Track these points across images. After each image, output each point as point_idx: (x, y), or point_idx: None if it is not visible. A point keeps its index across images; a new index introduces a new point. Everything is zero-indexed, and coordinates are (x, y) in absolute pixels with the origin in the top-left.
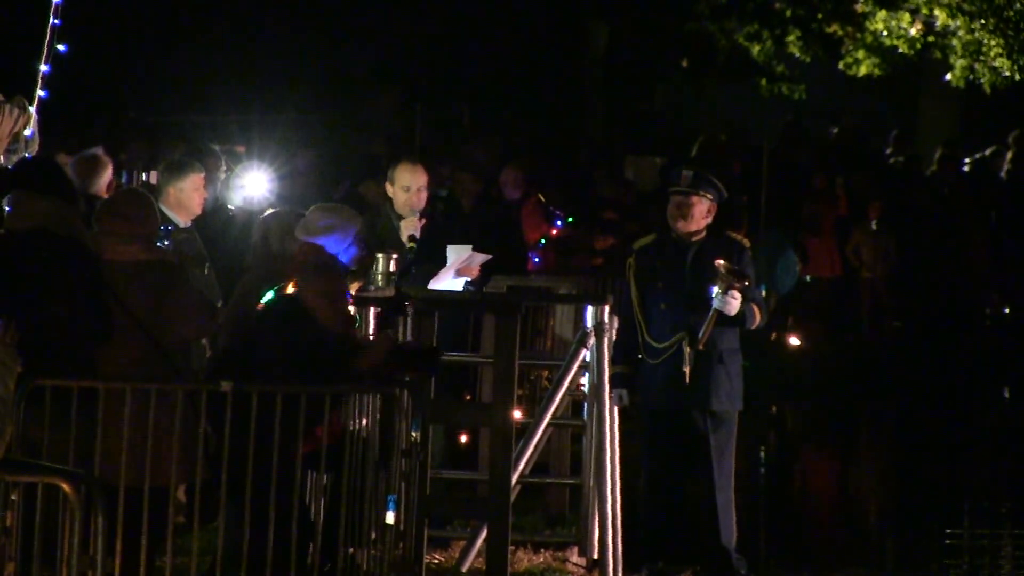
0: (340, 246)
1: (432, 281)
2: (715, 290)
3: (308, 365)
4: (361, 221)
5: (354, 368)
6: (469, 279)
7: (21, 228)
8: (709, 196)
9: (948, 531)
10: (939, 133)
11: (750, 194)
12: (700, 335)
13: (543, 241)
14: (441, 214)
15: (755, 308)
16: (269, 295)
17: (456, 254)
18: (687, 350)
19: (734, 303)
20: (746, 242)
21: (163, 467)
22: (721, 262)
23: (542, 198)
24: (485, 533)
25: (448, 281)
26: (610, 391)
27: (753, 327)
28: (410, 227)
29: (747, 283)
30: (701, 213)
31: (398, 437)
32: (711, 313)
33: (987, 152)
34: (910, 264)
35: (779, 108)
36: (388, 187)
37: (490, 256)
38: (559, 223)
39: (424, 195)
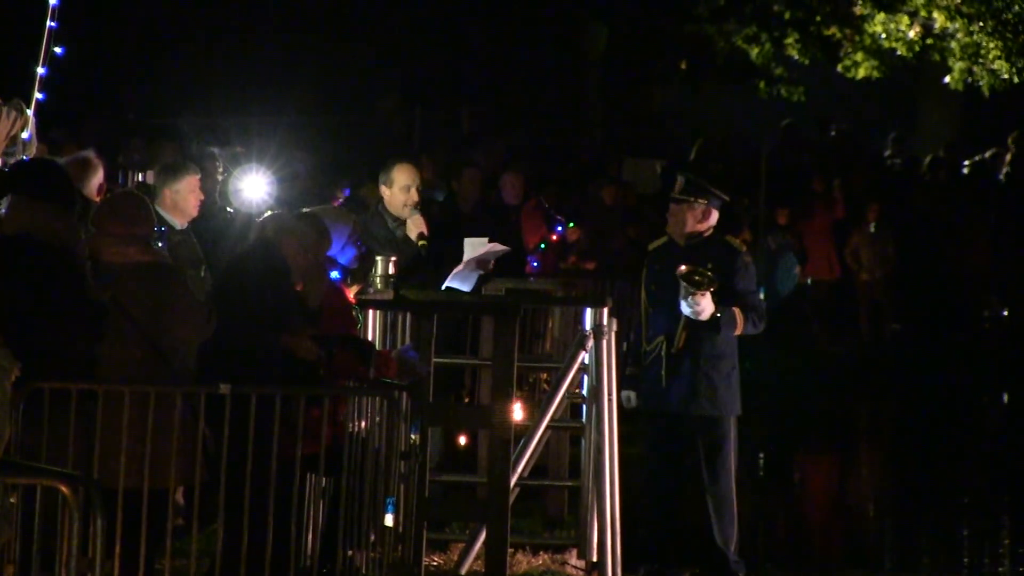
0: (335, 247)
1: (451, 275)
2: (681, 295)
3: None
4: (355, 221)
5: (283, 341)
6: (483, 272)
7: (8, 232)
8: (703, 202)
9: (946, 533)
10: (938, 135)
11: (749, 197)
12: (675, 340)
13: (543, 245)
14: (437, 216)
15: (736, 312)
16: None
17: (473, 247)
18: (663, 353)
19: (699, 308)
20: (742, 246)
21: (162, 469)
22: (682, 268)
23: (545, 203)
24: (484, 535)
25: (464, 274)
26: (619, 392)
27: (738, 332)
28: (419, 225)
29: (713, 288)
30: (694, 219)
31: (397, 439)
32: (682, 318)
33: (986, 155)
34: (909, 266)
35: (778, 111)
36: (384, 189)
37: (508, 248)
38: (559, 228)
39: (418, 193)
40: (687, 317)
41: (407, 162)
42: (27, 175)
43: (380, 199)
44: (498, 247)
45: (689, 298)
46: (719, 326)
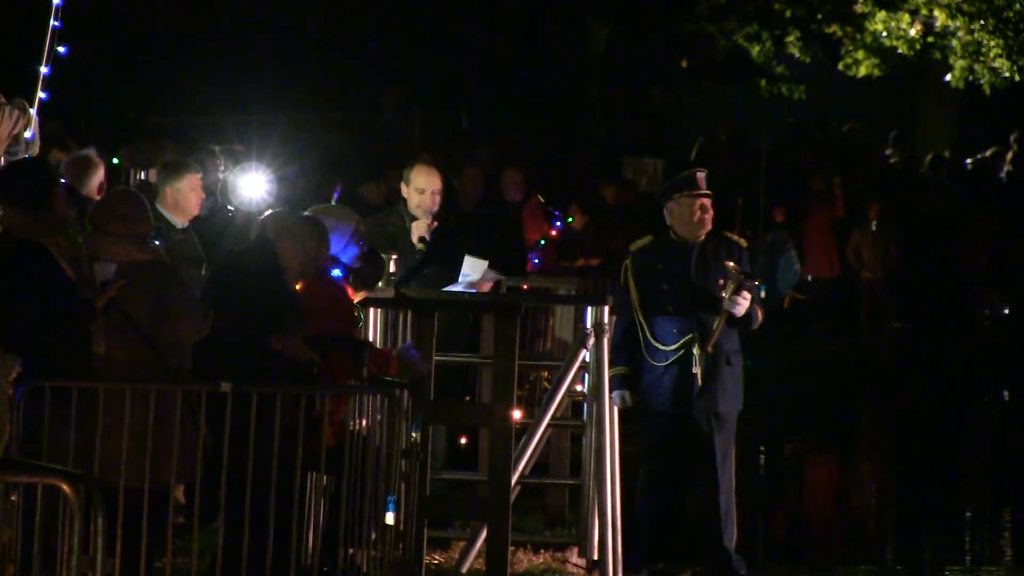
0: (338, 246)
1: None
2: (726, 291)
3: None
4: (358, 220)
5: (275, 342)
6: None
7: None
8: (711, 195)
9: (947, 532)
10: (938, 134)
11: (748, 195)
12: (709, 337)
13: (543, 242)
14: (454, 218)
15: (757, 308)
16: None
17: (472, 267)
18: (697, 352)
19: (743, 304)
20: (743, 242)
21: (162, 467)
22: (731, 263)
23: (541, 199)
24: (485, 534)
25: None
26: (610, 393)
27: (755, 328)
28: (421, 229)
29: (756, 283)
30: (712, 213)
31: (398, 438)
32: (721, 314)
33: (987, 153)
34: (909, 265)
35: (778, 109)
36: (403, 187)
37: (502, 277)
38: (558, 223)
39: (439, 198)
40: (726, 313)
41: (425, 164)
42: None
43: (404, 198)
44: (493, 273)
45: (738, 294)
46: (750, 321)
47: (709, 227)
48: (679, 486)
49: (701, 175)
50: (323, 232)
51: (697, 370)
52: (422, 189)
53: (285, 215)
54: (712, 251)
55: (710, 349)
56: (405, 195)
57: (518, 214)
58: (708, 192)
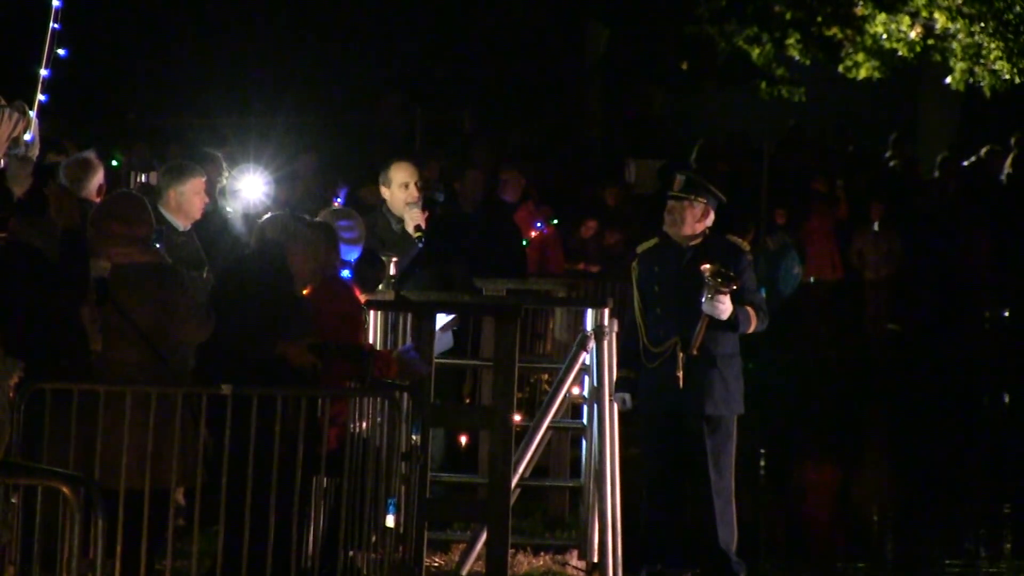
0: (356, 250)
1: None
2: (704, 294)
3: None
4: (360, 221)
5: (279, 347)
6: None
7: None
8: (702, 200)
9: (947, 533)
10: (939, 136)
11: (750, 198)
12: (692, 340)
13: (525, 243)
14: (440, 216)
15: (750, 311)
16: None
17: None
18: (680, 355)
19: (722, 307)
20: (745, 245)
21: (163, 470)
22: (707, 266)
23: (532, 203)
24: (485, 536)
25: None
26: (613, 395)
27: (750, 331)
28: (416, 218)
29: (735, 286)
30: (693, 217)
31: (398, 440)
32: (702, 317)
33: (982, 153)
34: (911, 267)
35: (779, 111)
36: (384, 190)
37: (453, 316)
38: (539, 224)
39: (418, 188)
40: (707, 317)
41: (403, 160)
42: None
43: (384, 201)
44: (444, 319)
45: (715, 297)
46: (736, 325)
47: (687, 230)
48: (673, 488)
49: (679, 177)
50: (334, 238)
51: (679, 372)
52: (405, 183)
53: (285, 218)
54: (706, 254)
55: (694, 352)
56: (387, 196)
57: (512, 215)
58: (682, 194)
